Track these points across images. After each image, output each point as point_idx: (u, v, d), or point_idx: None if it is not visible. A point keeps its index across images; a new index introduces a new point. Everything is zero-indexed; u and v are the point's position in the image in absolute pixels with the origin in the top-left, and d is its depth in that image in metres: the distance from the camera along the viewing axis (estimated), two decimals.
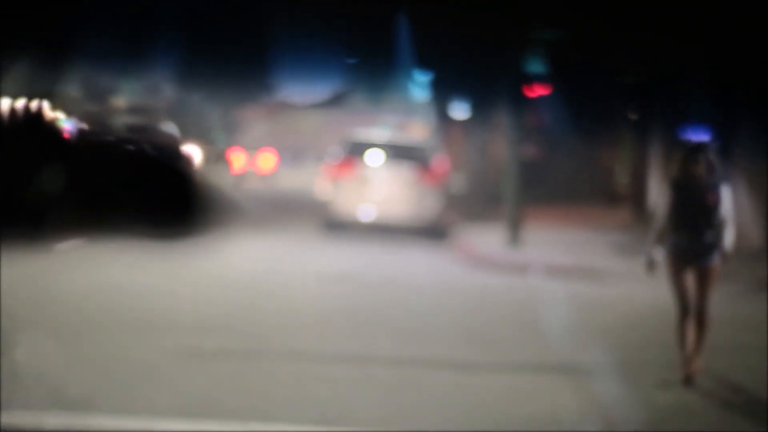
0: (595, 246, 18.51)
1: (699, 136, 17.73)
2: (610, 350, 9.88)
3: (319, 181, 21.22)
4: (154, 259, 13.32)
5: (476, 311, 12.69)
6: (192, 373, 8.71)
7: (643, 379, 8.93)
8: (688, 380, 8.63)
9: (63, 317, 10.62)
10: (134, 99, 31.34)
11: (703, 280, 8.83)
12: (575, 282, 14.86)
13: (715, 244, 8.84)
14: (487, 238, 18.90)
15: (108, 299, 11.67)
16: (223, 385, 8.43)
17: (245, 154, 34.72)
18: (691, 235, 8.85)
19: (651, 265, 8.96)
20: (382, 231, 19.61)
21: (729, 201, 8.94)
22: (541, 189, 23.30)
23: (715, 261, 8.85)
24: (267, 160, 35.69)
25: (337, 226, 19.85)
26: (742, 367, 9.46)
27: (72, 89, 27.28)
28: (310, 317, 11.50)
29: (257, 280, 13.99)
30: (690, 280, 8.85)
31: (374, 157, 20.50)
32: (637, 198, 23.84)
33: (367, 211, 19.90)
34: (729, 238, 8.85)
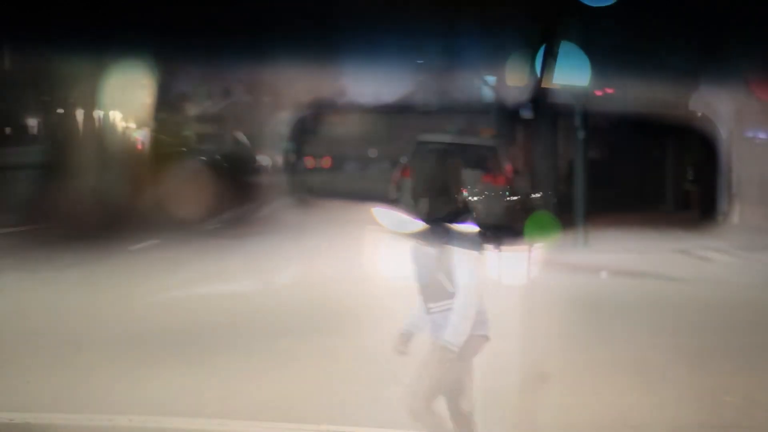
0: (662, 248, 18.50)
1: None
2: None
3: (389, 185, 21.28)
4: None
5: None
6: None
7: None
8: None
9: None
10: (204, 106, 31.47)
11: None
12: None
13: None
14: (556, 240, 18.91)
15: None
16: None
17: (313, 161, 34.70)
18: None
19: None
20: None
21: None
22: (608, 191, 23.19)
23: None
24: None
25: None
26: None
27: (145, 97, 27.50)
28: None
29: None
30: None
31: None
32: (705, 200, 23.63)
33: None
34: None
